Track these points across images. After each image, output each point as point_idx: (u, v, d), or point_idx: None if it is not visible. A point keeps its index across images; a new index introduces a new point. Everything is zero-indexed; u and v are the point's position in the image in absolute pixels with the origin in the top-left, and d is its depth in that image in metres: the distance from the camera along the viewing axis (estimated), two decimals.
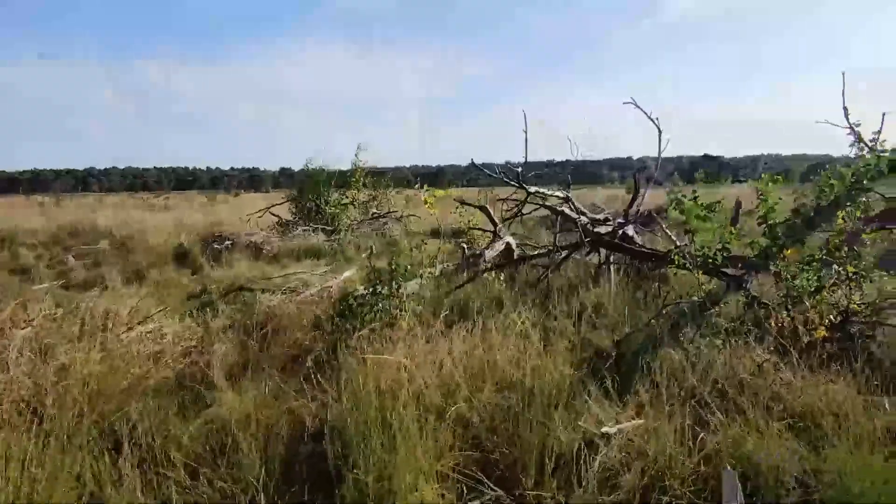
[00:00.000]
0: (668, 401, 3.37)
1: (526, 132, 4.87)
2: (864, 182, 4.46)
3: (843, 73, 9.83)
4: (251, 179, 75.75)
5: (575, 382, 3.60)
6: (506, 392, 3.41)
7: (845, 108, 10.36)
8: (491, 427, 3.16)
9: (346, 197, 15.04)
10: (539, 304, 5.53)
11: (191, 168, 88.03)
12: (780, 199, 4.65)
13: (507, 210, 7.10)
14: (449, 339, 3.94)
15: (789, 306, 4.44)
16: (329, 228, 13.33)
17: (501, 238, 7.75)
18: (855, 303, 4.36)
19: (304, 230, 13.25)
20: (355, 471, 2.72)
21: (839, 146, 4.94)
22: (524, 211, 6.66)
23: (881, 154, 4.49)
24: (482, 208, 7.63)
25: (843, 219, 4.61)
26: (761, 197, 4.70)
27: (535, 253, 6.24)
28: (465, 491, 2.80)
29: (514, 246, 7.85)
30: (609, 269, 5.99)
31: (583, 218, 6.16)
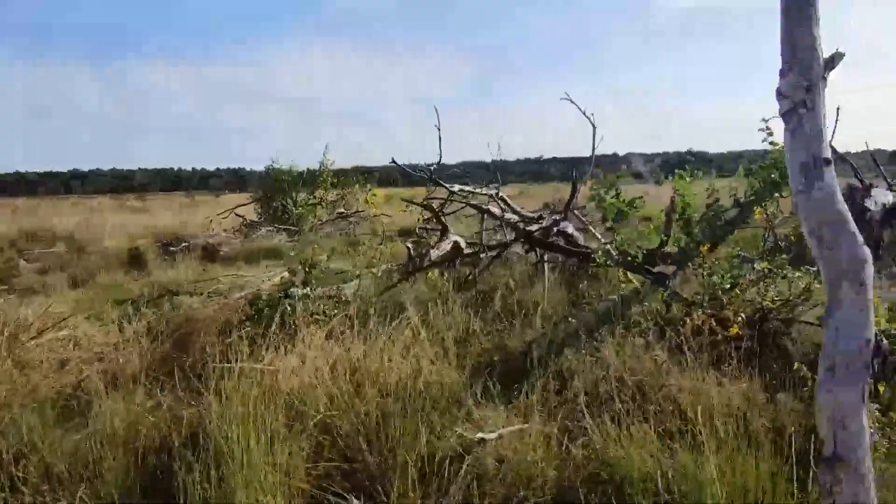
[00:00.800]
0: (555, 405, 3.28)
1: (439, 129, 4.74)
2: (774, 177, 4.38)
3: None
4: (240, 180, 75.26)
5: (466, 386, 3.50)
6: (390, 398, 3.30)
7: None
8: (365, 435, 3.05)
9: (314, 197, 14.90)
10: (467, 305, 5.42)
11: (176, 169, 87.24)
12: (695, 194, 4.57)
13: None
14: (343, 343, 3.82)
15: (705, 304, 4.35)
16: (294, 229, 13.18)
17: (448, 237, 7.64)
18: (769, 300, 4.27)
19: (268, 231, 13.11)
20: (205, 485, 2.61)
21: None
22: (447, 210, 6.54)
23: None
24: (428, 207, 7.50)
25: (760, 214, 4.53)
26: (678, 193, 4.61)
27: (469, 252, 6.12)
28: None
29: (462, 245, 7.74)
30: (544, 267, 5.88)
31: (512, 216, 6.06)
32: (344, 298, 5.19)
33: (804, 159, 1.53)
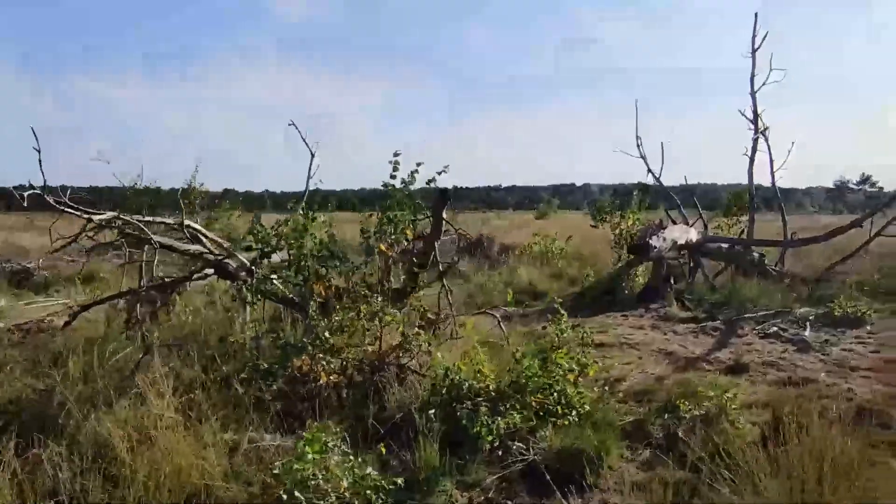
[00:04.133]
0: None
1: (38, 151, 4.28)
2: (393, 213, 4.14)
3: (636, 101, 9.64)
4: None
5: None
6: None
7: (638, 137, 10.27)
8: None
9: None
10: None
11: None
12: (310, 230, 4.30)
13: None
14: None
15: (310, 348, 4.03)
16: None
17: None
18: (359, 346, 3.98)
19: (117, 254, 12.55)
20: None
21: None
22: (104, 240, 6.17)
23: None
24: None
25: (387, 250, 4.27)
26: (295, 230, 4.34)
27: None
28: None
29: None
30: (244, 301, 5.52)
31: (197, 247, 5.70)
32: None
33: None
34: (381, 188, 4.21)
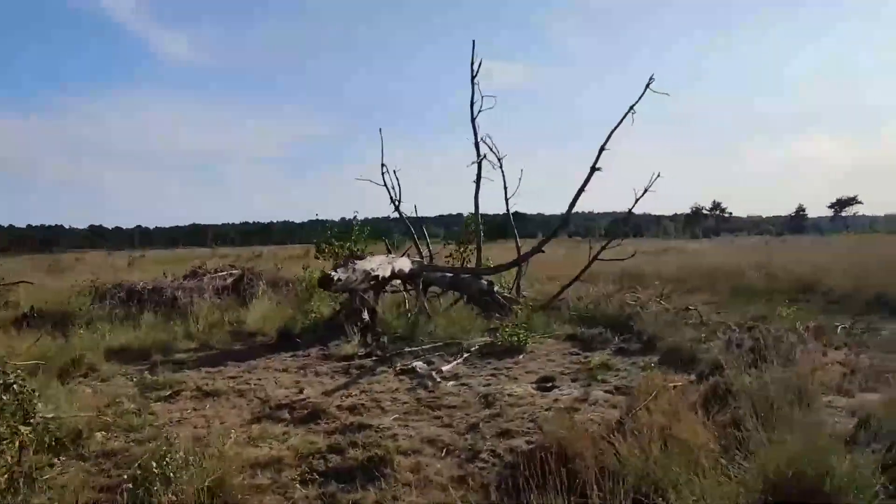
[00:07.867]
0: None
1: None
2: None
3: (381, 130, 8.77)
4: (49, 238, 68.40)
5: None
6: None
7: (383, 165, 9.70)
8: None
9: None
10: None
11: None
12: None
13: None
14: None
15: None
16: None
17: None
18: None
19: None
20: None
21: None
22: None
23: None
24: None
25: None
26: None
27: None
28: None
29: None
30: None
31: None
32: None
33: None
34: None
